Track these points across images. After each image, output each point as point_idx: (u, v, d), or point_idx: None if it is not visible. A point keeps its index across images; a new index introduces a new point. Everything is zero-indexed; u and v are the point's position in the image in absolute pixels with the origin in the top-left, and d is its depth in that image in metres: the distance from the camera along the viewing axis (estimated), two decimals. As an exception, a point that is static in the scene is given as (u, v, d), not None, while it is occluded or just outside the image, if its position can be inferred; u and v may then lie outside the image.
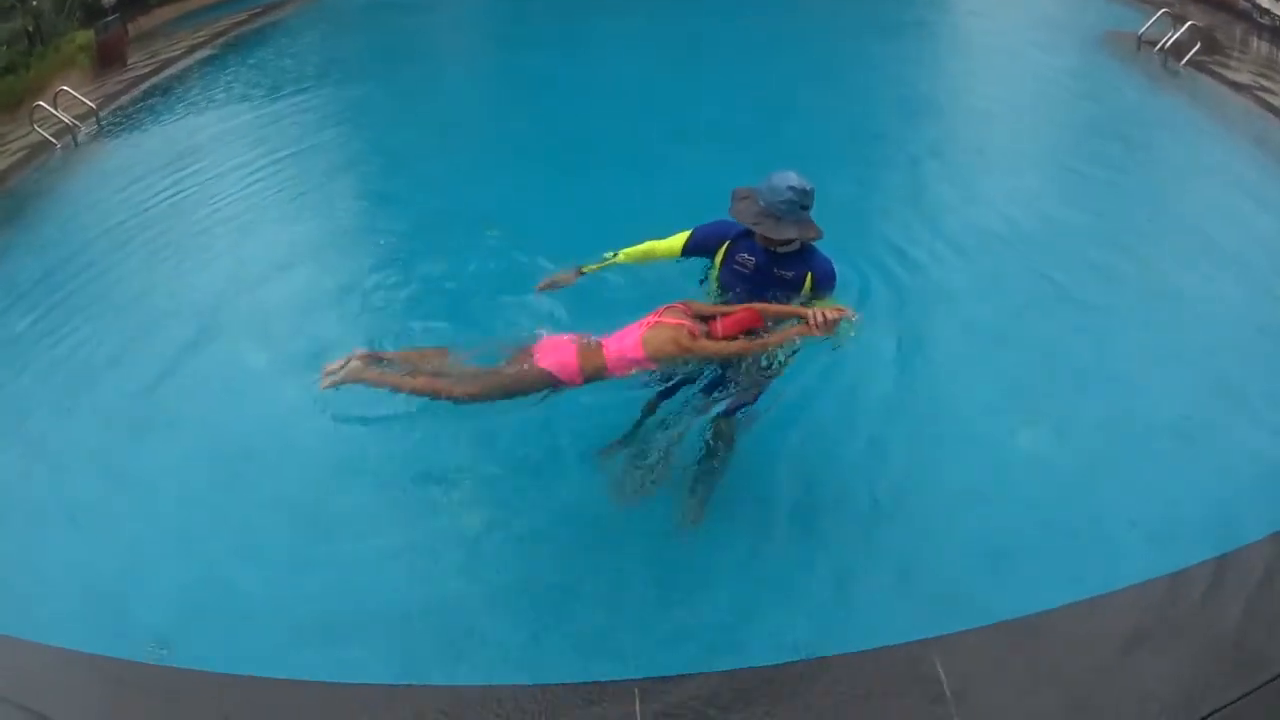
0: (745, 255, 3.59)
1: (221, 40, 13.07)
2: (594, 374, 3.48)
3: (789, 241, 3.48)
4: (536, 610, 3.28)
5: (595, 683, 2.93)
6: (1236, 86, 9.55)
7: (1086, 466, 3.85)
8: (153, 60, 12.33)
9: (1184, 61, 9.52)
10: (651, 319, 3.49)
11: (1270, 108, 9.10)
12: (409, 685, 2.93)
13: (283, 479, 4.06)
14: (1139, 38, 9.92)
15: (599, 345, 3.53)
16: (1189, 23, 9.73)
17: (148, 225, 7.08)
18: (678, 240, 3.72)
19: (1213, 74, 9.83)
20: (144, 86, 11.15)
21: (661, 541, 3.51)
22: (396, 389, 3.60)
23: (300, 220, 6.84)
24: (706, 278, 3.83)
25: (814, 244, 3.57)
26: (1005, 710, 2.82)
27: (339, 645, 3.15)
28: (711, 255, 3.70)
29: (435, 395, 3.55)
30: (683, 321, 3.44)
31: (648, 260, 3.79)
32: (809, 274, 3.57)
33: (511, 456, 3.89)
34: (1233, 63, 11.25)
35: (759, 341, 3.41)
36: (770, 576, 3.37)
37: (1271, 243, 6.05)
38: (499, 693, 2.92)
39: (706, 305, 3.59)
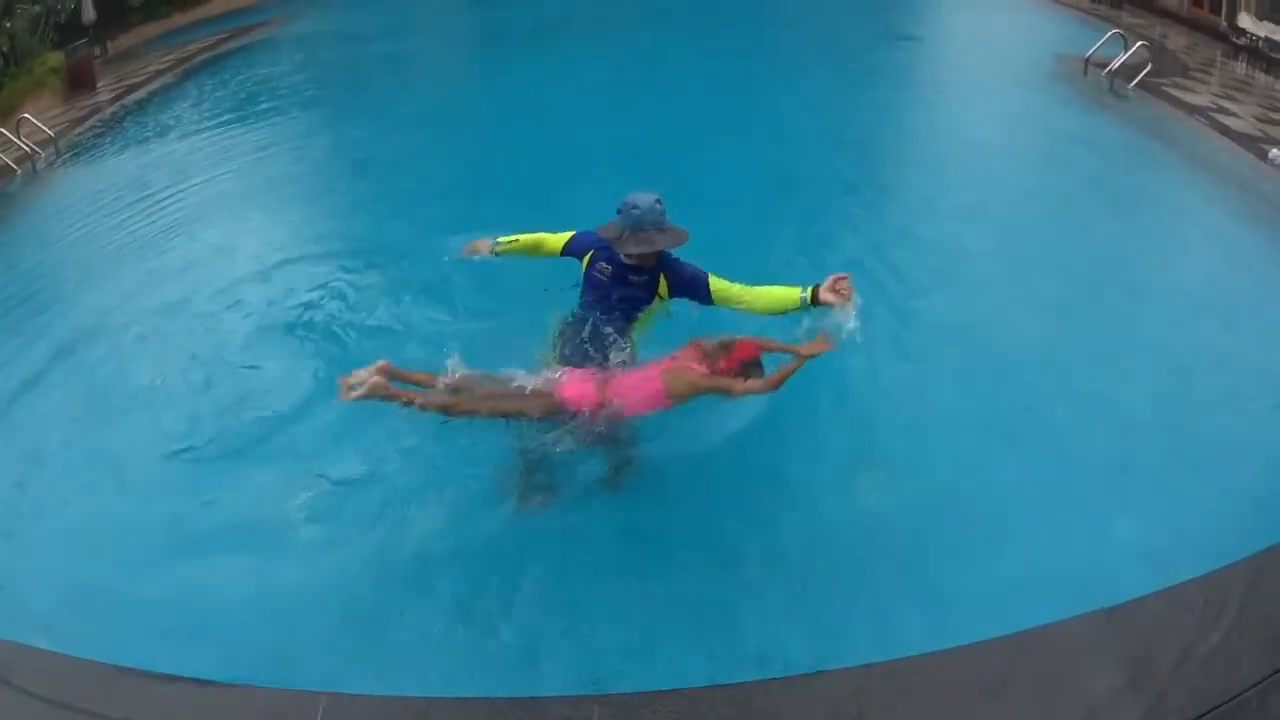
0: (604, 264, 4.01)
1: (185, 66, 13.42)
2: (605, 407, 3.70)
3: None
4: (358, 623, 3.41)
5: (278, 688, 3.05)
6: (1190, 108, 9.66)
7: (921, 527, 3.81)
8: (118, 85, 12.71)
9: (1133, 83, 9.64)
10: (667, 363, 3.75)
11: (1221, 128, 9.20)
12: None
13: (178, 485, 4.23)
14: (1086, 60, 10.05)
15: (616, 383, 3.75)
16: (1139, 43, 9.85)
17: (95, 255, 7.27)
18: (562, 238, 4.17)
19: (1166, 96, 9.95)
20: (104, 114, 11.45)
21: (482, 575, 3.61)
22: (410, 404, 3.72)
23: (237, 249, 6.98)
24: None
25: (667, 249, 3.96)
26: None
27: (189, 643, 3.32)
28: (580, 259, 4.13)
29: (448, 412, 3.73)
30: (695, 365, 3.71)
31: (539, 251, 4.22)
32: (660, 275, 3.98)
33: (376, 472, 4.04)
34: (1195, 84, 11.38)
35: (771, 379, 3.68)
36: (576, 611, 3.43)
37: (1196, 265, 6.13)
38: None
39: (712, 344, 3.80)
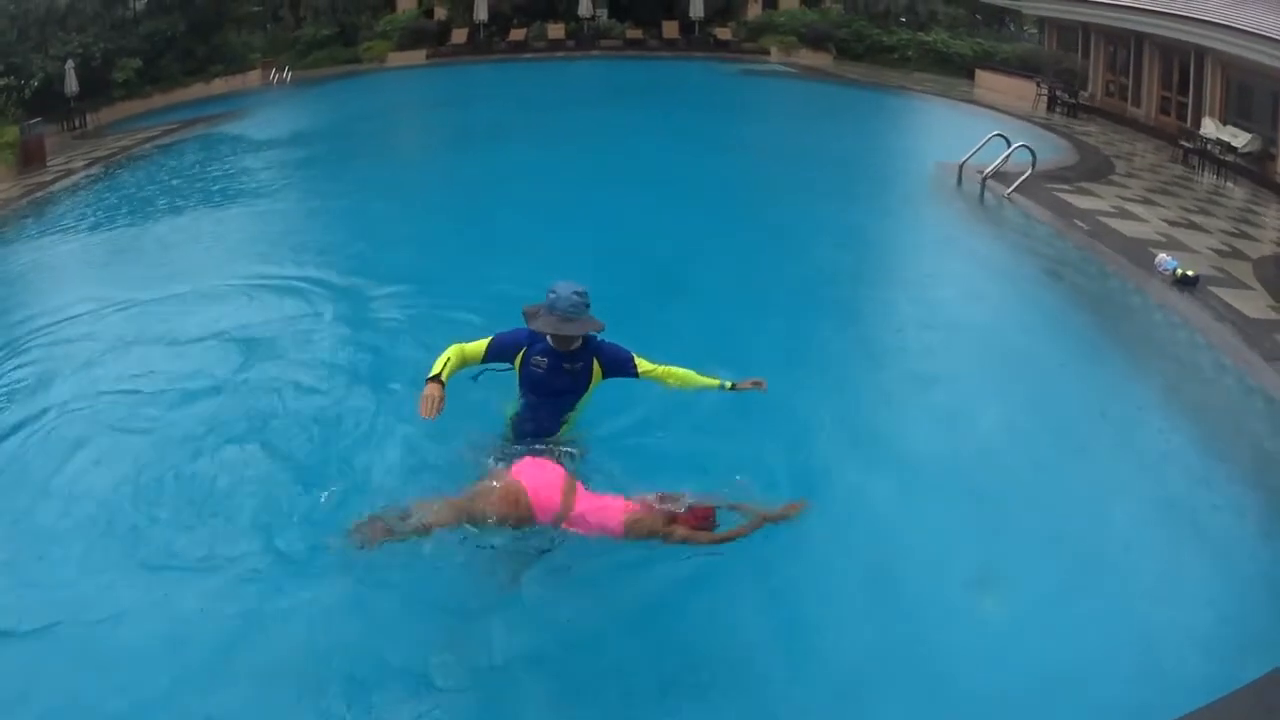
0: (539, 357, 4.33)
1: (126, 154, 14.26)
2: (563, 520, 3.98)
3: (577, 338, 4.24)
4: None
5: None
6: (1077, 212, 9.84)
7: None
8: (64, 166, 13.62)
9: (1011, 189, 9.84)
10: (633, 506, 4.01)
11: (1106, 232, 9.34)
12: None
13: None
14: (960, 167, 10.35)
15: (579, 496, 4.02)
16: (1017, 144, 10.09)
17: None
18: (480, 346, 4.38)
19: (1049, 199, 10.15)
20: (37, 195, 12.19)
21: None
22: (392, 536, 3.99)
23: (142, 348, 6.78)
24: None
25: (594, 335, 4.32)
26: None
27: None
28: (511, 361, 4.41)
29: (426, 531, 4.00)
30: (657, 512, 4.04)
31: (467, 362, 4.39)
32: (594, 361, 4.38)
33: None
34: (1109, 188, 11.55)
35: (725, 534, 4.04)
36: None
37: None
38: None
39: (674, 498, 4.10)
